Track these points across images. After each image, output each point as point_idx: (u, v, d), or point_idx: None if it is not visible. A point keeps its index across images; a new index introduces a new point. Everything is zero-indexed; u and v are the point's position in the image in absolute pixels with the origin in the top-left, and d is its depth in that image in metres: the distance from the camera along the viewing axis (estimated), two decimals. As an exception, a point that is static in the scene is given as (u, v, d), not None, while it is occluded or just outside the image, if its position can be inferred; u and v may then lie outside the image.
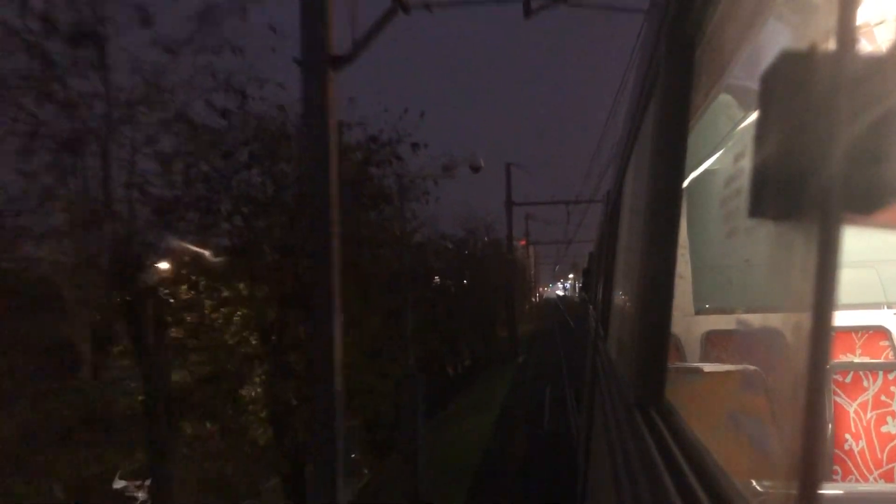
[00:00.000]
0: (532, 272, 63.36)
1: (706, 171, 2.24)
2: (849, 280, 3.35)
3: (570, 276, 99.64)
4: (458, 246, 25.40)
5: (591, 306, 6.41)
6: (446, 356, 23.33)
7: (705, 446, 0.97)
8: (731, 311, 3.41)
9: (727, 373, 1.76)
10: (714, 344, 3.36)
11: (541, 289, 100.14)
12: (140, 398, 8.52)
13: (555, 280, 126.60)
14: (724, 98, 1.62)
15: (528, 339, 33.79)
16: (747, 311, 1.06)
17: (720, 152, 2.08)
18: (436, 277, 23.65)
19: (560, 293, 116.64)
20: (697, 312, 3.64)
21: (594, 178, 27.10)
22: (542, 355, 25.16)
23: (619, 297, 2.52)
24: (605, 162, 17.08)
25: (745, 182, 0.65)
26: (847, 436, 2.21)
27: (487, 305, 27.39)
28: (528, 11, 5.96)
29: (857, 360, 3.12)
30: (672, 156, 1.20)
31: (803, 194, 0.53)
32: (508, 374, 21.60)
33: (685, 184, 1.31)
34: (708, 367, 1.94)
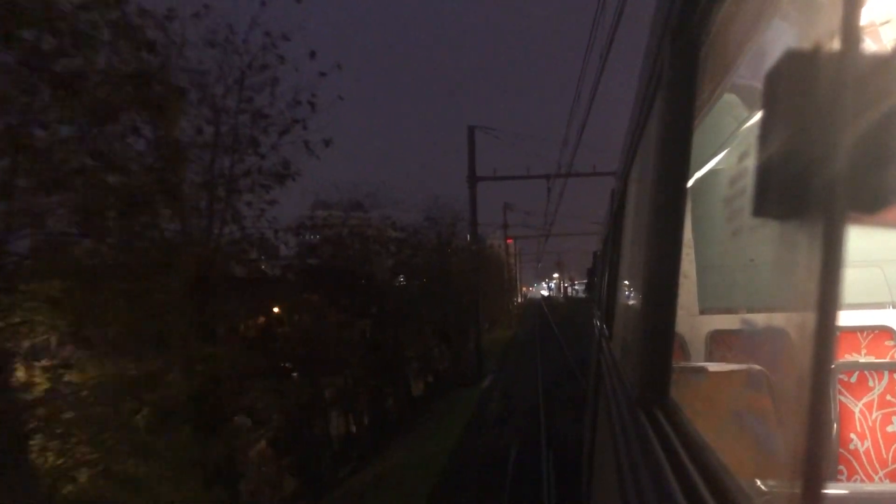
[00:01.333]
0: (513, 270, 58.62)
1: (711, 171, 2.24)
2: (854, 280, 3.34)
3: (555, 275, 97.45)
4: (416, 236, 20.51)
5: (595, 305, 6.41)
6: (391, 378, 17.33)
7: (710, 445, 0.97)
8: (735, 311, 3.40)
9: (732, 372, 1.76)
10: (719, 343, 3.36)
11: (525, 289, 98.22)
12: None
13: (539, 279, 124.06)
14: (729, 97, 1.62)
15: (503, 349, 27.94)
16: (752, 311, 1.06)
17: (725, 152, 2.08)
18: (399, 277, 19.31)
19: (545, 293, 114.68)
20: (702, 312, 3.63)
21: (572, 148, 23.27)
22: (515, 375, 19.45)
23: (624, 296, 2.52)
24: (580, 127, 14.10)
25: (749, 181, 0.66)
26: (852, 435, 2.20)
27: (457, 310, 22.06)
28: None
29: (862, 359, 3.11)
30: (676, 155, 1.20)
31: (808, 194, 0.53)
32: (463, 410, 14.91)
33: (690, 183, 1.31)
34: (712, 367, 1.94)
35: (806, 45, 0.55)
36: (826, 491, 0.52)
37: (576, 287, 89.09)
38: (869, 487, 2.11)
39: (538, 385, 16.27)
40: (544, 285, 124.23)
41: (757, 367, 1.12)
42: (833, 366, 2.25)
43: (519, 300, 72.74)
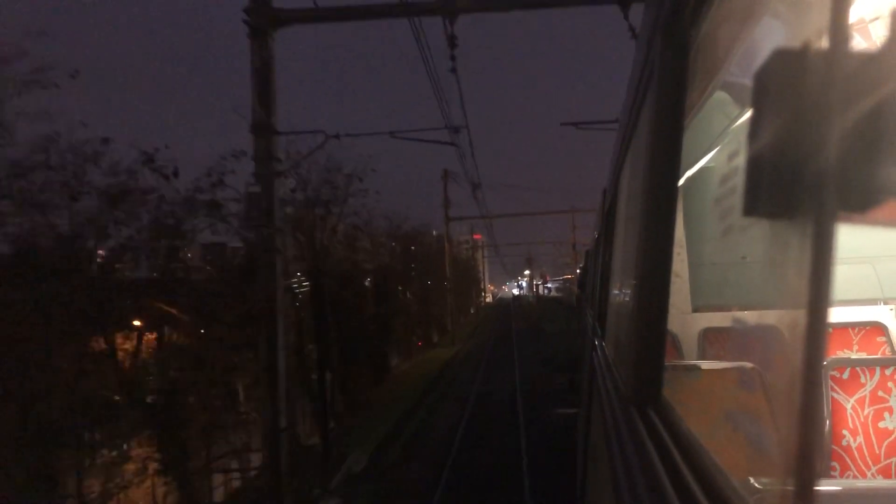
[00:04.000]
0: (475, 267, 50.72)
1: (702, 169, 2.24)
2: (846, 276, 3.36)
3: (527, 272, 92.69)
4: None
5: (588, 305, 6.42)
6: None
7: (703, 444, 0.97)
8: (727, 309, 3.41)
9: (724, 370, 1.76)
10: (711, 341, 3.37)
11: (492, 288, 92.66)
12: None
13: (510, 277, 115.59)
14: (720, 95, 1.62)
15: (428, 386, 17.27)
16: (744, 309, 1.07)
17: (716, 150, 2.08)
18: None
19: (516, 292, 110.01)
20: (694, 310, 3.64)
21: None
22: (408, 481, 9.77)
23: (616, 295, 2.52)
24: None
25: (740, 179, 0.66)
26: (845, 432, 2.21)
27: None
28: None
29: (854, 355, 3.13)
30: (668, 153, 1.21)
31: (798, 191, 0.53)
32: None
33: (681, 182, 1.32)
34: (705, 365, 1.94)
35: (796, 42, 0.55)
36: (819, 488, 0.52)
37: (548, 286, 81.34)
38: (861, 483, 2.12)
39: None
40: (516, 284, 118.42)
41: (749, 364, 1.13)
42: (825, 362, 2.26)
43: (489, 299, 69.12)
